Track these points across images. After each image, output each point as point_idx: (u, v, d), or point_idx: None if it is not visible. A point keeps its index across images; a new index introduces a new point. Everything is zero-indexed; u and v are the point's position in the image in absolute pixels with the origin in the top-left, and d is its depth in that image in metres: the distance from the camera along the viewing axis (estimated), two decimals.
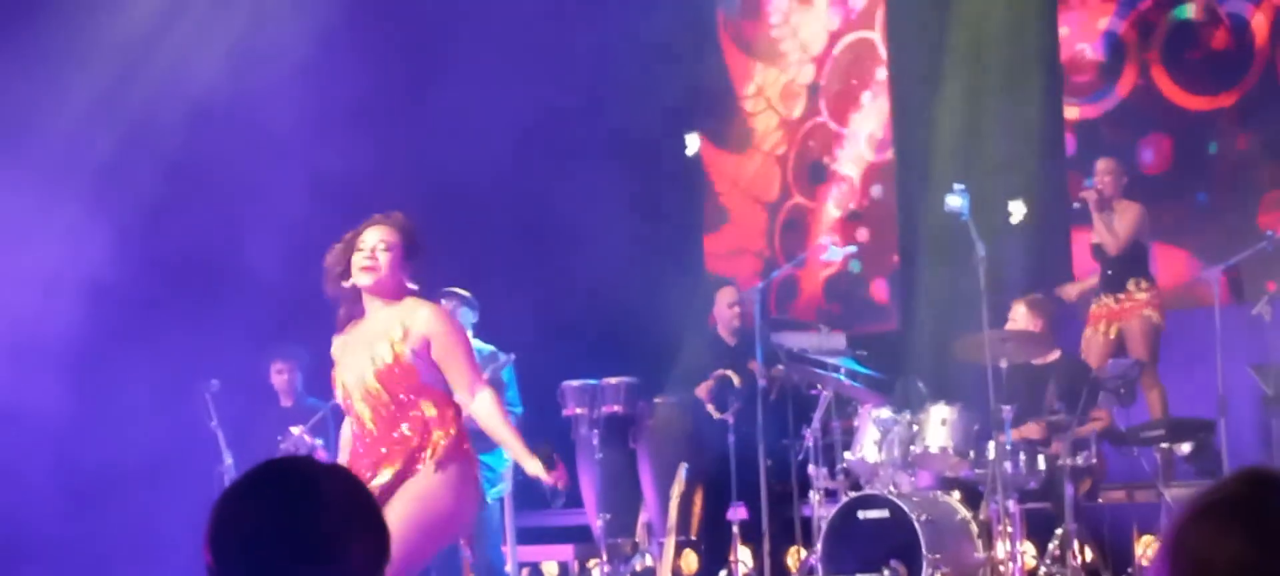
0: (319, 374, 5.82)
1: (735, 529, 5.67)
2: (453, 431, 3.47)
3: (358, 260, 3.38)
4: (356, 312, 3.51)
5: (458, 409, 3.56)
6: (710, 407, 5.81)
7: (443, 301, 5.29)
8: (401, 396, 3.40)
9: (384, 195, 5.94)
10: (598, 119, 6.91)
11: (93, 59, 5.52)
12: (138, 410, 5.35)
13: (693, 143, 7.74)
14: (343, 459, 3.52)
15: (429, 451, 3.41)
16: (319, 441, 5.45)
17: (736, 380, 5.78)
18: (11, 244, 5.33)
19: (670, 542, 5.71)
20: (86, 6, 5.57)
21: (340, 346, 3.53)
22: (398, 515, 3.27)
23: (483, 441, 5.35)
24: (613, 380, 5.74)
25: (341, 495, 1.15)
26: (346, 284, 3.43)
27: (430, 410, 3.42)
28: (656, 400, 5.77)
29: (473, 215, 6.53)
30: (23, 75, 5.20)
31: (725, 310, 6.37)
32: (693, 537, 5.80)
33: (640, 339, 6.19)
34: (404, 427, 3.42)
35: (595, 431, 5.64)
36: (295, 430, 5.37)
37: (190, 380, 5.27)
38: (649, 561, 5.76)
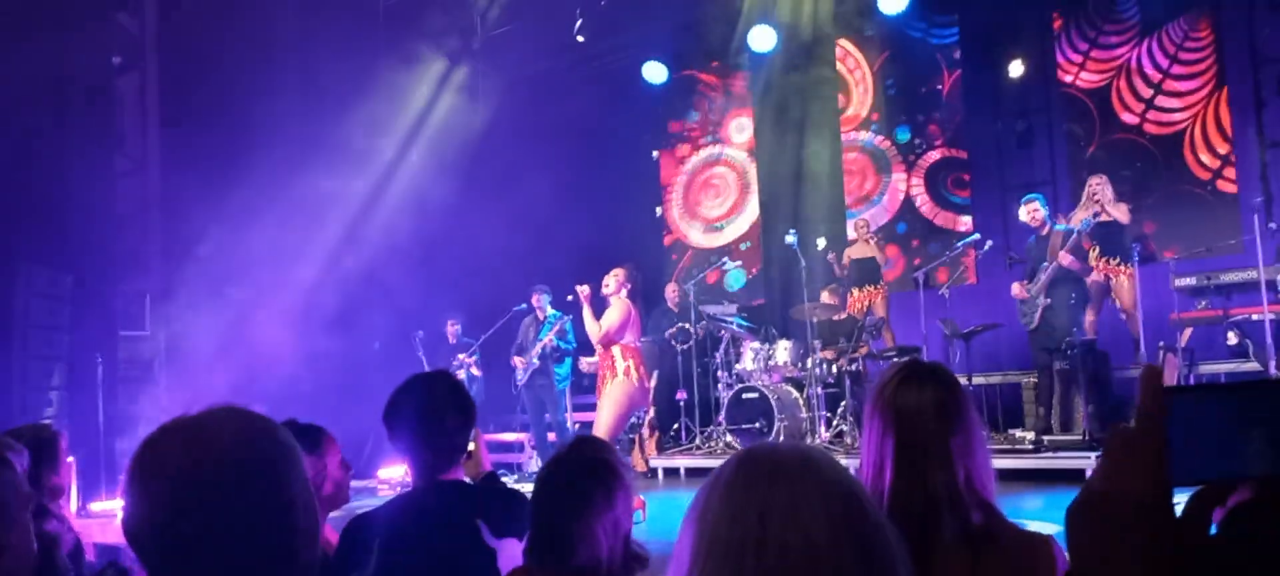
0: (472, 325, 10.25)
1: (681, 402, 10.29)
2: (625, 363, 6.69)
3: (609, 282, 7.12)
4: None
5: (631, 351, 6.76)
6: (675, 344, 10.44)
7: (538, 289, 9.85)
8: (603, 344, 6.88)
9: (481, 227, 10.52)
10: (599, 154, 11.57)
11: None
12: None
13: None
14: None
15: (614, 372, 6.71)
16: (473, 359, 10.00)
17: (690, 328, 10.19)
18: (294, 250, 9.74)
19: (650, 414, 9.92)
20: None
21: None
22: (605, 403, 6.63)
23: (557, 357, 9.86)
24: None
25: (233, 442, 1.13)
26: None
27: (616, 351, 6.85)
28: (643, 338, 10.33)
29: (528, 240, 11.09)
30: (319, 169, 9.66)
31: (672, 293, 10.94)
32: (656, 410, 9.99)
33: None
34: (609, 362, 6.80)
35: None
36: (461, 356, 9.98)
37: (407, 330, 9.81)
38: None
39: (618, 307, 6.96)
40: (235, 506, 1.10)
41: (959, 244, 9.62)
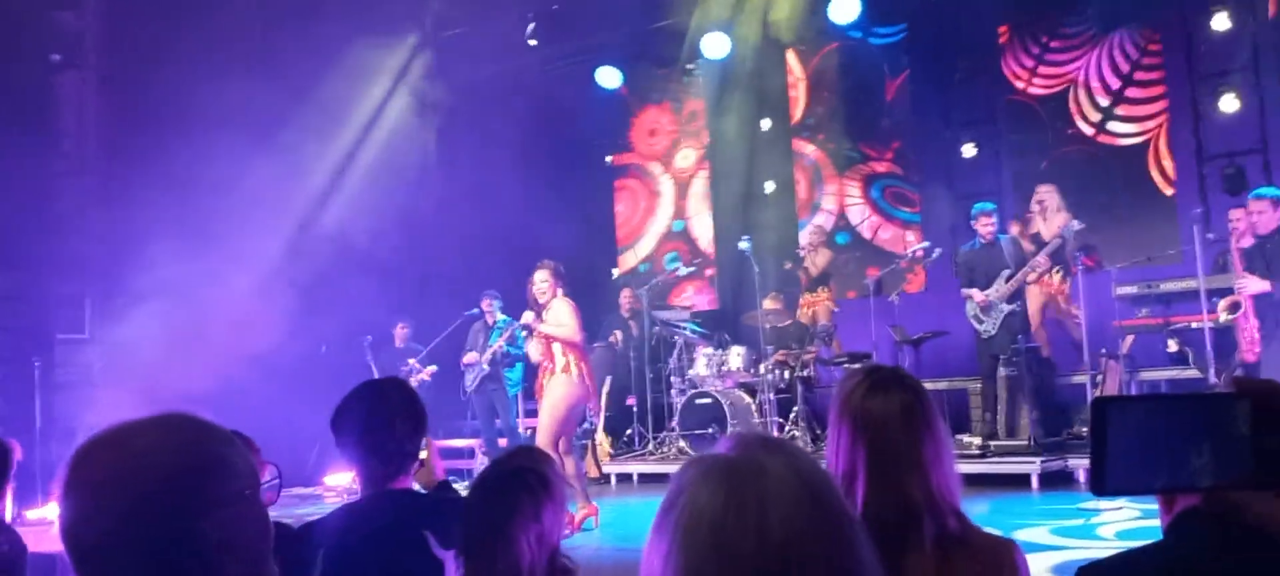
0: (420, 330, 10.28)
1: (634, 408, 10.42)
2: (565, 359, 6.55)
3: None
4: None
5: (576, 350, 6.58)
6: (617, 346, 10.51)
7: (488, 294, 9.87)
8: (549, 345, 6.77)
9: (446, 232, 10.52)
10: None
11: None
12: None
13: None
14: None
15: (552, 369, 6.65)
16: (425, 368, 9.98)
17: (622, 333, 10.38)
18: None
19: (601, 419, 10.28)
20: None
21: None
22: (546, 403, 6.47)
23: (508, 362, 9.90)
24: None
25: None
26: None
27: (556, 347, 6.73)
28: (594, 345, 10.41)
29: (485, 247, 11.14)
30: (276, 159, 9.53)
31: (626, 299, 11.10)
32: (609, 416, 10.39)
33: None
34: (548, 359, 6.74)
35: None
36: (411, 361, 9.93)
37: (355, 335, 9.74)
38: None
39: (565, 308, 6.71)
40: (148, 513, 1.10)
41: (908, 253, 9.85)
